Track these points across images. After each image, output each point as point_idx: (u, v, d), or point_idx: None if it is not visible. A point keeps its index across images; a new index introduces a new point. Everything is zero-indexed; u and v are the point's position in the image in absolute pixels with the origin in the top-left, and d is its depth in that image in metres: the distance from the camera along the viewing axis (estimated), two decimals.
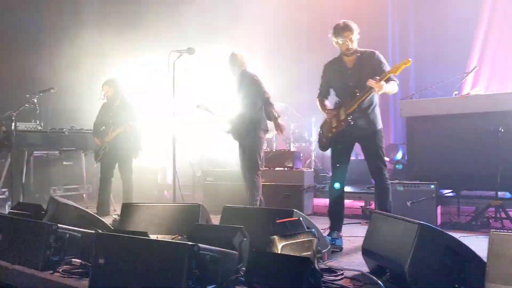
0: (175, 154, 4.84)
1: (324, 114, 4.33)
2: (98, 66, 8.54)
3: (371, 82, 3.81)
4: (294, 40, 9.46)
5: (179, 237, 3.26)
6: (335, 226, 4.17)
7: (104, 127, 5.80)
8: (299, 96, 8.86)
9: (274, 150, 7.10)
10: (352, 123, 4.03)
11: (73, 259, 3.17)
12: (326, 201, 5.28)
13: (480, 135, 5.02)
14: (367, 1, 8.77)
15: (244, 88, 5.18)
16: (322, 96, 4.39)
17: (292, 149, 7.59)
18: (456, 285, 2.02)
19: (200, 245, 2.45)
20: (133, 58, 8.80)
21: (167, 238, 3.43)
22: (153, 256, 2.54)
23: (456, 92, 5.83)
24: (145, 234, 2.94)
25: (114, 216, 4.81)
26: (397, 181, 5.37)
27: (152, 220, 3.77)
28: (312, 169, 6.76)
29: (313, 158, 7.76)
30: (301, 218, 3.05)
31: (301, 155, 6.84)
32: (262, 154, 5.25)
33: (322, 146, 4.35)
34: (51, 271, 3.12)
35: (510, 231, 3.36)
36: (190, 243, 2.43)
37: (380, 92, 3.92)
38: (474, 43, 7.78)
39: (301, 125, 8.19)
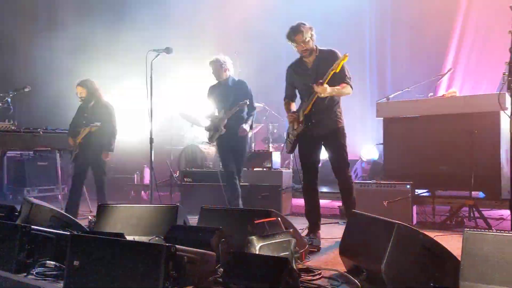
0: (152, 155, 4.79)
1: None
2: (74, 66, 8.40)
3: (314, 86, 3.88)
4: (272, 40, 9.47)
5: (156, 238, 3.23)
6: (313, 226, 4.20)
7: (78, 128, 5.72)
8: (278, 96, 8.85)
9: (253, 151, 7.10)
10: (309, 124, 4.09)
11: (47, 261, 3.10)
12: (301, 201, 5.30)
13: (454, 136, 5.10)
14: (345, 4, 8.86)
15: (235, 91, 5.36)
16: (289, 98, 4.42)
17: (271, 149, 7.61)
18: (431, 284, 2.04)
19: (177, 246, 2.43)
20: (111, 57, 8.68)
21: (144, 239, 3.38)
22: (129, 258, 2.51)
23: (432, 94, 5.93)
24: (121, 235, 2.91)
25: (89, 217, 4.74)
26: (373, 181, 5.43)
27: (128, 221, 3.73)
28: (291, 170, 6.78)
29: (291, 158, 7.78)
30: (279, 219, 3.05)
31: (280, 155, 6.86)
32: None
33: (288, 149, 4.41)
34: (25, 274, 3.05)
35: (483, 230, 3.43)
36: (167, 244, 2.41)
37: (324, 95, 3.93)
38: (449, 46, 7.94)
39: (279, 125, 8.23)
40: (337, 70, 3.87)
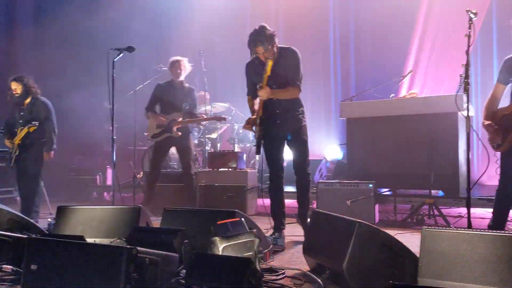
0: (114, 155, 4.69)
1: (251, 114, 4.37)
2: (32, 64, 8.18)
3: (257, 90, 3.97)
4: (237, 38, 9.46)
5: (118, 240, 3.16)
6: (278, 225, 4.22)
7: (15, 128, 5.47)
8: (243, 96, 8.87)
9: (218, 151, 7.08)
10: (275, 123, 4.15)
11: (3, 266, 3.01)
12: (266, 201, 5.31)
13: (415, 136, 5.23)
14: (310, 7, 8.95)
15: (191, 94, 5.76)
16: (251, 94, 4.39)
17: (236, 149, 7.59)
18: (391, 281, 2.08)
19: (139, 248, 2.39)
20: (72, 55, 8.48)
21: (105, 241, 3.32)
22: (89, 261, 2.45)
23: (393, 95, 6.05)
24: (81, 238, 2.85)
25: (49, 219, 4.60)
26: (337, 180, 5.50)
27: (89, 223, 3.64)
28: (256, 170, 6.79)
29: (257, 158, 7.79)
30: (242, 219, 3.05)
31: (245, 155, 6.86)
32: None
33: (256, 150, 4.38)
34: None
35: (442, 227, 3.52)
36: (128, 246, 2.37)
37: (265, 98, 3.99)
38: (410, 49, 8.13)
39: None
40: (268, 73, 3.92)
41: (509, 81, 3.71)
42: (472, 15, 3.39)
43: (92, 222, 3.62)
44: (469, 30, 3.36)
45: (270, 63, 3.92)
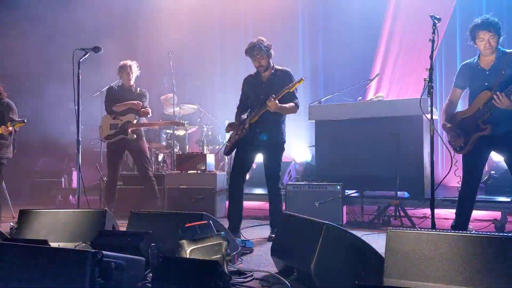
0: (80, 157, 4.59)
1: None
2: None
3: (267, 101, 4.17)
4: (207, 41, 9.46)
5: (83, 244, 3.10)
6: (234, 227, 4.30)
7: None
8: (212, 98, 8.88)
9: (187, 153, 7.02)
10: (255, 131, 4.33)
11: None
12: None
13: (381, 138, 5.31)
14: (279, 11, 9.01)
15: (144, 98, 5.80)
16: (241, 108, 4.64)
17: (205, 151, 7.55)
18: (356, 282, 2.11)
19: (104, 252, 2.34)
20: (34, 55, 8.28)
21: (69, 246, 3.25)
22: (53, 266, 2.39)
23: (360, 98, 6.14)
24: (45, 242, 2.78)
25: (11, 223, 4.46)
26: (306, 182, 5.54)
27: (53, 227, 3.56)
28: (225, 172, 6.77)
29: (226, 161, 7.78)
30: (210, 221, 3.03)
31: (214, 157, 6.83)
32: None
33: (226, 151, 4.67)
34: None
35: (407, 228, 3.59)
36: (93, 250, 2.32)
37: (273, 110, 4.21)
38: (376, 53, 8.30)
39: (214, 127, 8.19)
40: (291, 90, 4.24)
41: (466, 86, 3.82)
42: (436, 20, 3.48)
43: (56, 226, 3.54)
44: (433, 35, 3.44)
45: (298, 83, 4.27)
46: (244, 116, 4.55)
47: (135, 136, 5.61)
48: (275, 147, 4.43)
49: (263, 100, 4.28)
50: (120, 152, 5.78)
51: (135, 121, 5.65)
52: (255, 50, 4.30)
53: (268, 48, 4.34)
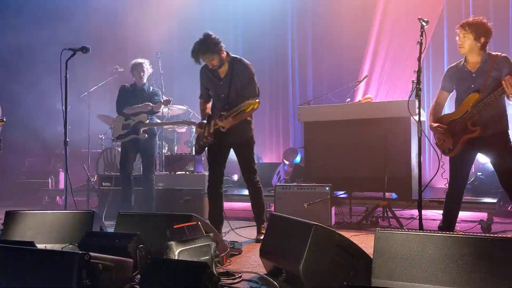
0: (67, 158, 4.55)
1: (201, 117, 4.49)
2: None
3: (217, 120, 4.09)
4: (195, 40, 9.42)
5: (70, 246, 3.08)
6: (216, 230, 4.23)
7: None
8: None
9: (175, 154, 7.00)
10: (211, 139, 4.22)
11: None
12: (227, 205, 5.31)
13: (369, 140, 5.34)
14: (268, 14, 9.03)
15: (156, 97, 5.66)
16: (204, 98, 4.49)
17: (194, 152, 7.53)
18: (345, 283, 2.12)
19: (92, 253, 2.33)
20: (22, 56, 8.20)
21: (56, 247, 3.22)
22: (40, 267, 2.38)
23: (349, 99, 6.17)
24: (31, 244, 2.75)
25: None
26: (295, 183, 5.55)
27: (40, 228, 3.52)
28: None
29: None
30: (199, 223, 3.02)
31: (203, 158, 6.80)
32: None
33: (196, 151, 4.54)
34: None
35: (395, 229, 3.61)
36: (80, 251, 2.30)
37: (227, 127, 4.08)
38: (365, 55, 8.34)
39: None
40: (247, 110, 3.99)
41: (453, 89, 3.86)
42: (424, 23, 3.51)
43: (43, 228, 3.50)
44: (421, 38, 3.48)
45: (252, 106, 3.95)
46: (209, 108, 4.44)
47: (146, 136, 5.54)
48: (245, 144, 4.35)
49: (224, 99, 4.18)
50: (132, 152, 5.69)
51: (147, 121, 5.59)
52: (201, 55, 4.03)
53: (217, 44, 4.03)
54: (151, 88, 5.80)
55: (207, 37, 4.04)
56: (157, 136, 5.82)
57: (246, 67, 4.21)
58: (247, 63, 4.24)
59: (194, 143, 7.67)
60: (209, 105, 4.48)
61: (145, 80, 5.68)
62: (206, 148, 4.44)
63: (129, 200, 5.57)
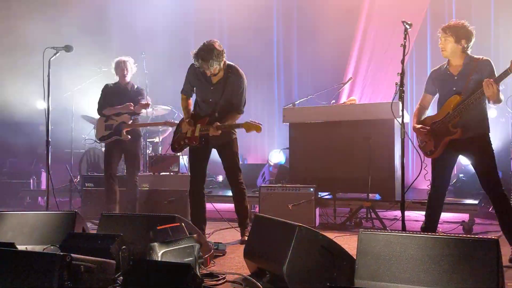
0: (50, 158, 4.48)
1: (184, 114, 4.48)
2: None
3: (210, 128, 4.10)
4: (180, 40, 9.40)
5: (51, 247, 3.04)
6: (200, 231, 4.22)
7: None
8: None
9: (159, 154, 6.95)
10: (197, 144, 4.25)
11: None
12: (212, 206, 5.30)
13: (353, 141, 5.38)
14: (254, 14, 9.03)
15: (140, 96, 5.55)
16: (186, 94, 4.47)
17: (178, 153, 7.49)
18: (328, 284, 2.13)
19: (73, 255, 2.30)
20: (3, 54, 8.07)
21: (37, 248, 3.18)
22: (20, 269, 2.34)
23: (334, 101, 6.20)
24: (11, 245, 2.71)
25: None
26: (279, 184, 5.56)
27: (21, 229, 3.47)
28: None
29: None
30: (183, 224, 3.01)
31: (187, 159, 6.77)
32: None
33: (174, 149, 4.52)
34: None
35: (378, 230, 3.64)
36: (61, 253, 2.27)
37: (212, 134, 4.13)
38: (350, 57, 8.40)
39: None
40: (247, 132, 4.11)
41: (436, 91, 3.90)
42: (407, 26, 3.54)
43: (24, 229, 3.46)
44: (404, 41, 3.51)
45: (255, 129, 4.06)
46: (191, 105, 4.45)
47: (129, 137, 5.38)
48: (228, 146, 4.36)
49: (212, 104, 4.22)
50: (116, 153, 5.52)
51: (130, 122, 5.44)
52: (208, 63, 4.00)
53: (219, 56, 4.03)
54: (135, 86, 5.66)
55: (212, 47, 4.00)
56: (142, 137, 5.70)
57: (241, 79, 4.24)
58: (242, 74, 4.27)
59: (173, 138, 7.69)
60: (191, 101, 4.48)
61: (128, 79, 5.55)
62: (189, 150, 4.45)
63: (113, 202, 5.46)
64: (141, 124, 5.72)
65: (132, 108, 5.40)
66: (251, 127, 4.05)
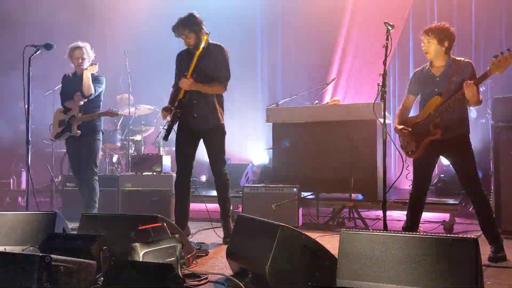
0: (29, 157, 4.40)
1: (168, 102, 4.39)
2: None
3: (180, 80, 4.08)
4: (163, 39, 9.33)
5: (31, 248, 2.99)
6: (181, 227, 4.11)
7: None
8: (169, 98, 8.76)
9: (142, 154, 6.91)
10: (176, 110, 4.14)
11: None
12: (195, 206, 5.28)
13: (336, 141, 5.41)
14: (237, 14, 9.03)
15: (98, 82, 5.14)
16: (177, 87, 4.36)
17: (162, 153, 7.45)
18: (310, 283, 2.13)
19: (53, 256, 2.27)
20: None
21: (17, 249, 3.13)
22: None
23: (317, 101, 6.23)
24: None
25: None
26: (263, 184, 5.57)
27: (0, 230, 3.41)
28: None
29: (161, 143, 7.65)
30: (164, 224, 2.99)
31: (170, 159, 6.74)
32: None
33: (163, 136, 4.37)
34: None
35: (360, 229, 3.66)
36: (40, 254, 2.24)
37: (187, 88, 4.09)
38: (333, 58, 8.44)
39: None
40: (193, 64, 4.05)
41: (419, 92, 3.94)
42: (389, 27, 3.57)
43: (2, 229, 3.40)
44: (387, 41, 3.53)
45: (197, 53, 4.01)
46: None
47: (79, 132, 4.93)
48: (215, 132, 4.28)
49: (195, 78, 4.11)
50: (74, 150, 5.09)
51: (80, 115, 4.97)
52: (181, 29, 4.06)
53: (198, 24, 4.09)
54: (95, 74, 5.10)
55: (191, 15, 4.12)
56: (100, 132, 5.13)
57: (221, 48, 4.22)
58: (223, 46, 4.25)
59: (161, 143, 7.63)
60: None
61: (85, 67, 4.99)
62: (175, 140, 4.36)
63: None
64: (87, 116, 5.04)
65: (77, 120, 4.94)
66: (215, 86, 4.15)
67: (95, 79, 5.06)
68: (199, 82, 4.11)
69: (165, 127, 4.25)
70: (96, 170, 5.13)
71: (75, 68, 5.09)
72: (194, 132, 4.29)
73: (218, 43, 4.28)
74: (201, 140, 4.40)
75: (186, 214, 4.36)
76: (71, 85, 5.06)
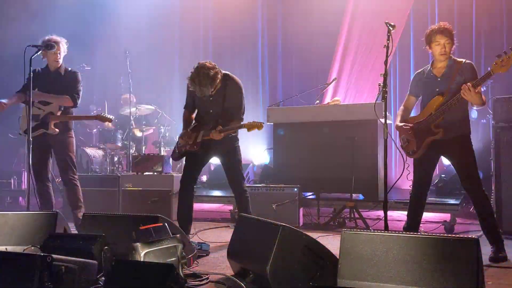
0: (31, 157, 4.37)
1: (183, 127, 4.36)
2: None
3: (212, 132, 4.02)
4: (163, 39, 9.35)
5: (32, 247, 3.00)
6: (184, 231, 4.14)
7: None
8: (170, 98, 8.79)
9: (143, 154, 6.91)
10: (197, 149, 4.18)
11: None
12: (195, 206, 5.27)
13: (337, 141, 5.41)
14: (239, 15, 9.04)
15: (74, 81, 4.84)
16: (189, 109, 4.37)
17: (163, 153, 7.46)
18: (310, 283, 2.13)
19: (54, 255, 2.27)
20: None
21: (18, 249, 3.13)
22: (0, 270, 2.30)
23: (318, 102, 6.23)
24: None
25: None
26: (263, 184, 5.57)
27: (1, 230, 3.41)
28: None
29: (183, 162, 7.70)
30: (166, 224, 2.99)
31: (171, 159, 6.74)
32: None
33: (175, 158, 4.46)
34: None
35: (361, 230, 3.66)
36: (42, 254, 2.24)
37: (217, 139, 4.05)
38: (334, 58, 8.45)
39: (171, 128, 8.11)
40: (248, 131, 4.05)
41: (419, 93, 3.94)
42: (390, 27, 3.57)
43: (4, 229, 3.40)
44: (388, 42, 3.53)
45: (256, 128, 4.02)
46: (192, 119, 4.35)
47: (57, 130, 4.64)
48: (232, 153, 4.29)
49: (213, 115, 4.14)
50: (45, 149, 4.75)
51: (59, 113, 4.70)
52: (202, 88, 3.89)
53: (215, 77, 3.91)
54: (69, 69, 4.84)
55: (204, 70, 3.88)
56: (72, 130, 4.88)
57: (239, 87, 4.17)
58: (239, 82, 4.19)
59: (162, 143, 7.64)
60: (194, 116, 4.37)
61: (60, 63, 4.76)
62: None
63: (49, 208, 4.74)
64: (72, 117, 4.91)
65: (55, 118, 4.65)
66: (253, 125, 4.00)
67: (75, 79, 4.79)
68: (223, 124, 4.06)
69: (177, 150, 4.32)
70: (75, 169, 4.90)
71: (49, 63, 4.77)
72: (209, 153, 4.32)
73: (233, 78, 4.17)
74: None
75: (189, 219, 4.30)
76: (43, 82, 4.70)
